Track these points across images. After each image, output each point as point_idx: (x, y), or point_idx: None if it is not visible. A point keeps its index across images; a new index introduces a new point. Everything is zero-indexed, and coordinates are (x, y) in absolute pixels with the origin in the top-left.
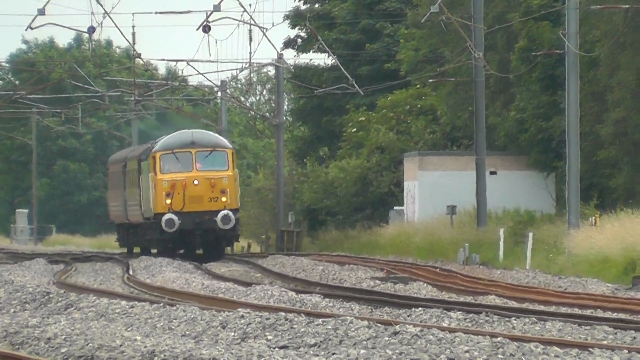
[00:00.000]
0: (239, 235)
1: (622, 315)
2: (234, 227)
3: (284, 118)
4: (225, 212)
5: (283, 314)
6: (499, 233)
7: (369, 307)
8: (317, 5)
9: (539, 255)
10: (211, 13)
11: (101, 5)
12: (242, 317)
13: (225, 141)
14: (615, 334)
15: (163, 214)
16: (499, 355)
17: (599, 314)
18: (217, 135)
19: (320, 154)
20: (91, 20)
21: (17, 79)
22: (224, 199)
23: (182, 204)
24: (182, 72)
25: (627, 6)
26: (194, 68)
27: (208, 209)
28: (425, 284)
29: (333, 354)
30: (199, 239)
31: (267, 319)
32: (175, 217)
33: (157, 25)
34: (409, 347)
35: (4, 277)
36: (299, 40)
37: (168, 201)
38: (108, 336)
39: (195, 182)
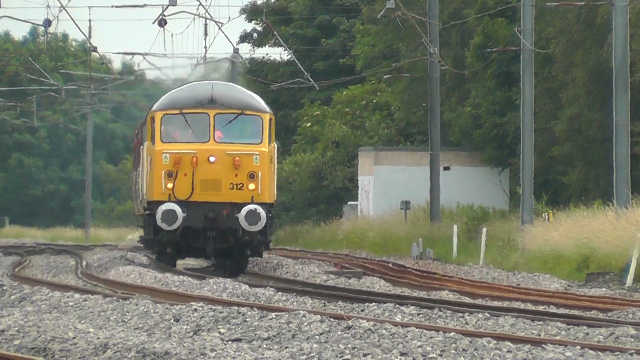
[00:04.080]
0: (270, 241)
1: (575, 312)
2: (263, 230)
3: None
4: (252, 206)
5: (236, 307)
6: (452, 229)
7: (322, 301)
8: (273, 0)
9: (493, 251)
10: (167, 7)
11: None
12: (195, 310)
13: (260, 101)
14: (568, 329)
15: (160, 202)
16: (452, 351)
17: (552, 310)
18: (248, 91)
19: None
20: (47, 13)
21: None
22: (252, 186)
23: (190, 190)
24: (139, 66)
25: (583, 3)
26: (149, 62)
27: (228, 200)
28: (378, 279)
29: (286, 347)
30: (211, 242)
31: (220, 312)
32: (177, 209)
33: (113, 19)
34: (362, 341)
35: None
36: (255, 34)
37: (169, 184)
38: (61, 328)
39: (212, 158)
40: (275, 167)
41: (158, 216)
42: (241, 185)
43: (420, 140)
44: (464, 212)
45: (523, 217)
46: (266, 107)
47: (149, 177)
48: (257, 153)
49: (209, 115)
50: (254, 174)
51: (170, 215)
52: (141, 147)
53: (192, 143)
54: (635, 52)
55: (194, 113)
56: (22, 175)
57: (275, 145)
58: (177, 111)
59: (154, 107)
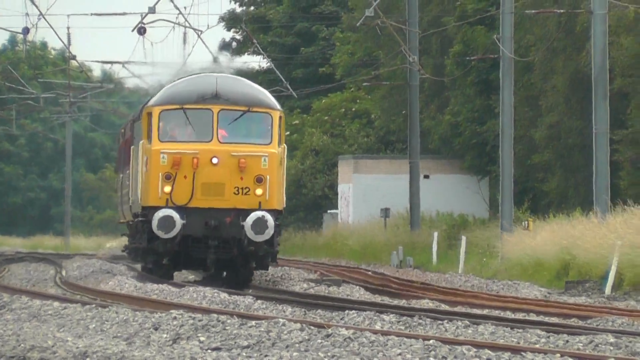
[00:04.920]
0: (278, 252)
1: (554, 319)
2: (271, 240)
3: None
4: (259, 213)
5: (216, 315)
6: (432, 236)
7: (302, 309)
8: (252, 8)
9: (473, 259)
10: (146, 15)
11: (36, 6)
12: (175, 318)
13: (269, 97)
14: (548, 337)
15: (157, 208)
16: (431, 358)
17: (532, 317)
18: (256, 86)
19: None
20: (26, 21)
21: None
22: (259, 191)
23: (190, 195)
24: (118, 74)
25: (562, 11)
26: (129, 70)
27: (232, 205)
28: (358, 287)
29: (265, 356)
30: (212, 253)
31: (199, 320)
32: (175, 215)
33: (92, 27)
34: (342, 349)
35: None
36: (234, 42)
37: (167, 188)
38: (40, 337)
39: (215, 159)
40: (285, 170)
41: (154, 223)
42: (247, 189)
43: (400, 148)
44: (443, 220)
45: (502, 225)
46: (276, 104)
47: (144, 179)
48: (266, 154)
49: (212, 111)
50: (261, 177)
51: (167, 222)
52: (132, 147)
53: (193, 142)
54: (614, 60)
55: (195, 109)
56: (1, 184)
57: (285, 146)
58: (177, 106)
59: (152, 102)
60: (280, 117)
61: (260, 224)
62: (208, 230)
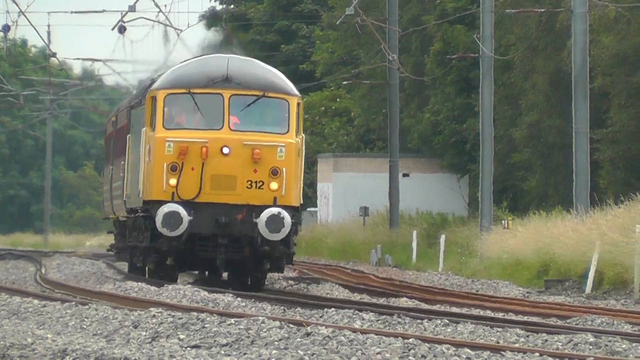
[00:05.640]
0: (294, 253)
1: (534, 319)
2: (287, 239)
3: None
4: (274, 210)
5: (195, 313)
6: (412, 235)
7: (282, 307)
8: (232, 6)
9: (452, 257)
10: (126, 13)
11: (16, 3)
12: (154, 316)
13: (286, 81)
14: (527, 336)
15: (161, 202)
16: (411, 357)
17: (511, 316)
18: (271, 69)
19: None
20: (6, 18)
21: None
22: (274, 185)
23: (198, 188)
24: (98, 72)
25: (542, 10)
26: (110, 67)
27: (244, 201)
28: (337, 285)
29: (245, 354)
30: (222, 252)
31: (179, 318)
32: (182, 211)
33: (73, 25)
34: (321, 347)
35: None
36: (215, 41)
37: (172, 181)
38: (19, 334)
39: (226, 149)
40: (303, 163)
41: (158, 219)
42: (261, 183)
43: (380, 146)
44: (423, 218)
45: (482, 224)
46: (294, 89)
47: (146, 170)
48: (282, 145)
49: (223, 96)
50: (277, 170)
51: (173, 219)
52: (129, 135)
53: (201, 130)
54: (595, 59)
55: (204, 93)
56: None
57: (304, 136)
58: (184, 90)
59: (156, 85)
60: (298, 104)
61: (275, 222)
62: (218, 227)
